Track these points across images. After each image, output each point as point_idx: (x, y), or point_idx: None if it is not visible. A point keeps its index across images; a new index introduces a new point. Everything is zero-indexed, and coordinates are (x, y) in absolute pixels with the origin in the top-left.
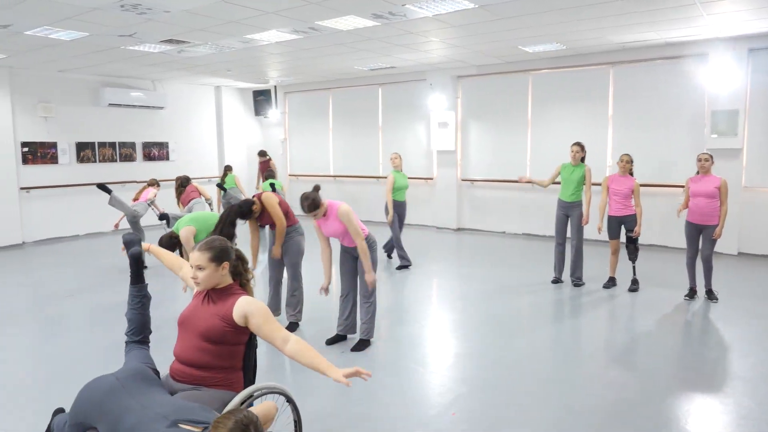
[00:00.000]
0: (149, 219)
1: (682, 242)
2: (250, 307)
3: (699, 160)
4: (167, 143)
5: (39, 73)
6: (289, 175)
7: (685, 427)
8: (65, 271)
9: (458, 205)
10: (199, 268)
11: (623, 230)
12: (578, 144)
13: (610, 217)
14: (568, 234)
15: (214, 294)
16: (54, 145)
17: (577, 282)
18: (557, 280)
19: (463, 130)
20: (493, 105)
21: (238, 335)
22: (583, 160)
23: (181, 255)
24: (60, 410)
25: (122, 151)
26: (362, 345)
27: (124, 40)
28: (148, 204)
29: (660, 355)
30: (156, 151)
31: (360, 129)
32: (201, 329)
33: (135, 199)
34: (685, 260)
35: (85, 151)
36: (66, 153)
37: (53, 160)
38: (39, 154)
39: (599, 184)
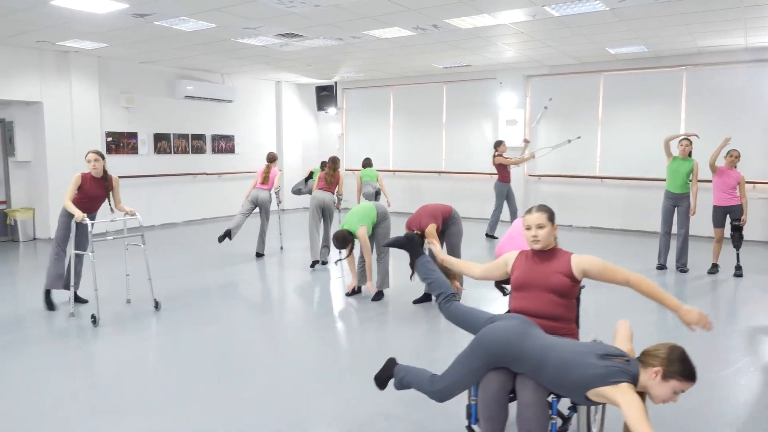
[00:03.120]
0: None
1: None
2: (587, 261)
3: None
4: (233, 136)
5: (123, 63)
6: (346, 170)
7: None
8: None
9: (524, 199)
10: (540, 226)
11: (728, 220)
12: (687, 139)
13: (715, 207)
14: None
15: (542, 255)
16: (134, 136)
17: (683, 268)
18: (662, 267)
19: (531, 127)
20: (563, 104)
21: (575, 289)
22: (690, 154)
23: (351, 251)
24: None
25: (194, 143)
26: None
27: (245, 32)
28: (275, 192)
29: None
30: (223, 144)
31: (422, 125)
32: (551, 285)
33: (263, 182)
34: None
35: (161, 142)
36: (145, 144)
37: (134, 150)
38: (121, 144)
39: (706, 181)
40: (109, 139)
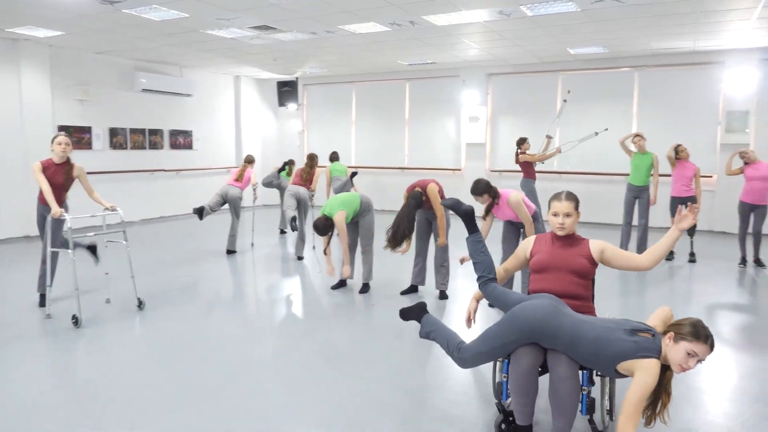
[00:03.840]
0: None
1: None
2: (603, 244)
3: (746, 153)
4: (191, 132)
5: (77, 53)
6: None
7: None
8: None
9: None
10: (567, 215)
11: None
12: (640, 135)
13: (673, 198)
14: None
15: (562, 240)
16: (89, 130)
17: None
18: None
19: (493, 124)
20: (523, 101)
21: (593, 270)
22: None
23: (329, 237)
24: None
25: (151, 139)
26: None
27: (218, 23)
28: (253, 188)
29: (740, 312)
30: (181, 140)
31: (385, 122)
32: (573, 268)
33: (237, 179)
34: (738, 235)
35: (117, 137)
36: (100, 138)
37: (88, 145)
38: (74, 139)
39: (666, 175)
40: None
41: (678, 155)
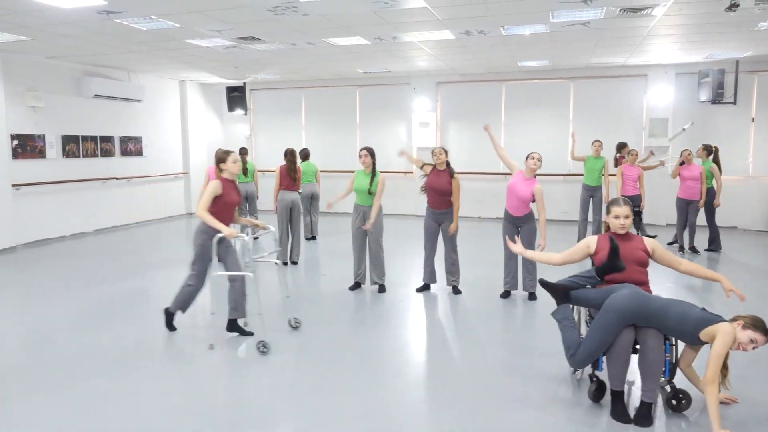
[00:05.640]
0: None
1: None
2: (655, 243)
3: (686, 154)
4: (141, 138)
5: (27, 58)
6: (258, 171)
7: None
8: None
9: None
10: (626, 217)
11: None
12: (599, 141)
13: (624, 197)
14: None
15: (623, 237)
16: (42, 138)
17: None
18: None
19: (442, 129)
20: (470, 108)
21: (648, 260)
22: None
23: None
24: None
25: (103, 146)
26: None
27: (206, 33)
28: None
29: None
30: (132, 146)
31: (336, 127)
32: (637, 259)
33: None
34: (676, 227)
35: (70, 145)
36: (53, 147)
37: (41, 154)
38: (28, 148)
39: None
40: (15, 142)
41: (628, 157)
